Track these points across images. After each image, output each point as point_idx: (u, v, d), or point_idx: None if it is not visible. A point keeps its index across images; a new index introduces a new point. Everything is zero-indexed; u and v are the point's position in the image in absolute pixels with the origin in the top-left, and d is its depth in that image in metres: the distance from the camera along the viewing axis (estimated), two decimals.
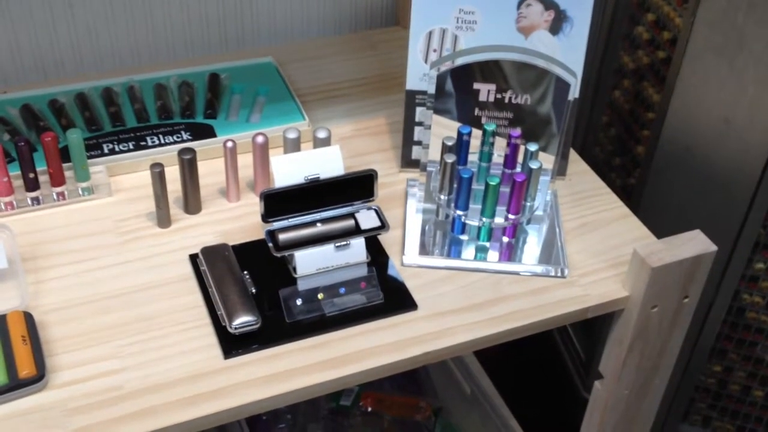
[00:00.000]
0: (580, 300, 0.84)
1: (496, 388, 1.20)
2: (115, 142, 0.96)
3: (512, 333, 0.81)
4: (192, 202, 0.90)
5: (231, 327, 0.77)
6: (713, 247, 0.83)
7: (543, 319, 0.82)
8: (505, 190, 0.86)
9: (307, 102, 1.05)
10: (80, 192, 0.91)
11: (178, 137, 0.97)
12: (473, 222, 0.88)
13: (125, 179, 0.94)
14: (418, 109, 0.95)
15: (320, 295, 0.81)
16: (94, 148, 0.95)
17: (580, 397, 1.27)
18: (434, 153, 0.89)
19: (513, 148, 0.89)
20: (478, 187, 0.88)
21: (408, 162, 0.97)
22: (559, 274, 0.86)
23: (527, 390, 1.36)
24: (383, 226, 0.85)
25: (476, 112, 0.87)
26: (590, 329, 1.28)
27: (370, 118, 1.05)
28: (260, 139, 0.90)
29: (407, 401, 1.23)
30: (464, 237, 0.89)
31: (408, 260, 0.86)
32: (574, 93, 0.85)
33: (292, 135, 0.91)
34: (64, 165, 0.90)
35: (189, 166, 0.87)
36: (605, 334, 0.89)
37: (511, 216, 0.87)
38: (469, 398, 1.19)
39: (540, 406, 1.32)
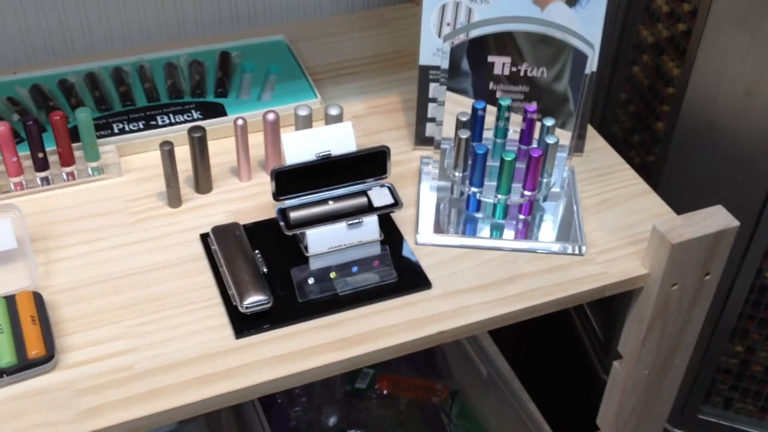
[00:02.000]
0: (598, 278, 0.82)
1: (514, 370, 1.18)
2: (125, 122, 0.94)
3: (529, 311, 0.80)
4: (203, 181, 0.89)
5: (242, 306, 0.76)
6: (735, 223, 0.80)
7: (560, 297, 0.80)
8: (521, 166, 0.85)
9: (319, 80, 1.04)
10: (90, 172, 0.90)
11: (188, 116, 0.95)
12: (488, 199, 0.86)
13: (135, 159, 0.93)
14: (432, 85, 0.93)
15: (332, 274, 0.79)
16: (104, 128, 0.94)
17: (598, 379, 1.26)
18: (448, 130, 0.88)
19: (529, 124, 0.87)
20: (493, 163, 0.86)
21: (422, 139, 0.96)
22: (576, 252, 0.84)
23: (545, 372, 1.35)
24: (396, 203, 0.83)
25: (491, 86, 0.85)
26: (609, 310, 1.26)
27: (383, 95, 1.03)
28: (271, 116, 0.88)
29: (423, 384, 1.22)
30: (479, 215, 0.87)
31: (422, 238, 0.85)
32: (591, 66, 0.82)
33: (303, 112, 0.89)
34: (74, 145, 0.89)
35: (199, 144, 0.86)
36: (624, 313, 0.88)
37: (527, 192, 0.85)
38: (486, 380, 1.18)
39: (558, 389, 1.31)
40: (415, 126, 0.95)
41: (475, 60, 0.84)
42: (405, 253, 0.84)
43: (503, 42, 0.84)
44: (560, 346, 1.38)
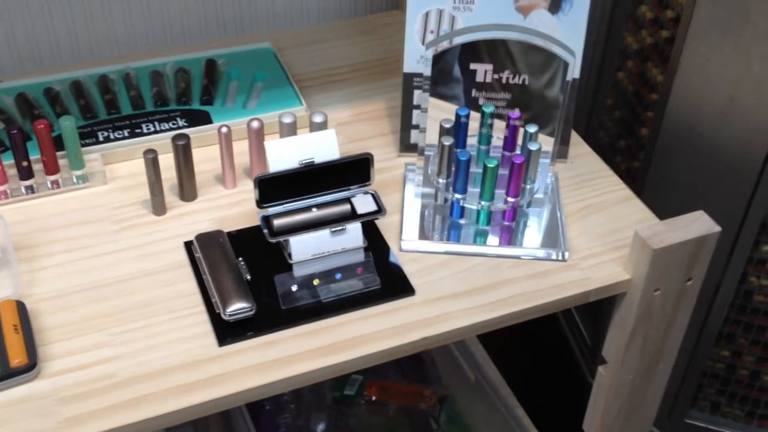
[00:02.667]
0: (581, 283, 0.82)
1: (502, 375, 1.18)
2: (110, 130, 0.94)
3: (512, 317, 0.80)
4: (187, 189, 0.89)
5: (225, 314, 0.76)
6: (717, 228, 0.81)
7: (543, 302, 0.80)
8: (504, 172, 0.85)
9: (305, 87, 1.04)
10: (75, 180, 0.90)
11: (174, 124, 0.95)
12: (472, 205, 0.86)
13: (120, 167, 0.93)
14: (416, 92, 0.93)
15: (316, 281, 0.79)
16: (89, 136, 0.93)
17: (587, 384, 1.25)
18: (432, 136, 0.88)
19: (512, 130, 0.88)
20: (477, 170, 0.86)
21: (407, 146, 0.96)
22: (559, 258, 0.84)
23: (533, 377, 1.35)
24: (380, 210, 0.83)
25: (474, 93, 0.86)
26: (596, 315, 1.27)
27: (368, 102, 1.03)
28: (255, 124, 0.89)
29: (412, 390, 1.22)
30: (463, 221, 0.88)
31: (406, 245, 0.85)
32: (573, 72, 0.83)
33: (288, 120, 0.89)
34: (59, 153, 0.89)
35: (183, 152, 0.86)
36: (609, 318, 0.88)
37: (510, 199, 0.86)
38: (475, 386, 1.18)
39: (547, 394, 1.31)
40: (400, 133, 0.96)
41: (458, 67, 0.85)
42: (389, 259, 0.84)
43: (486, 48, 0.84)
44: (548, 351, 1.39)
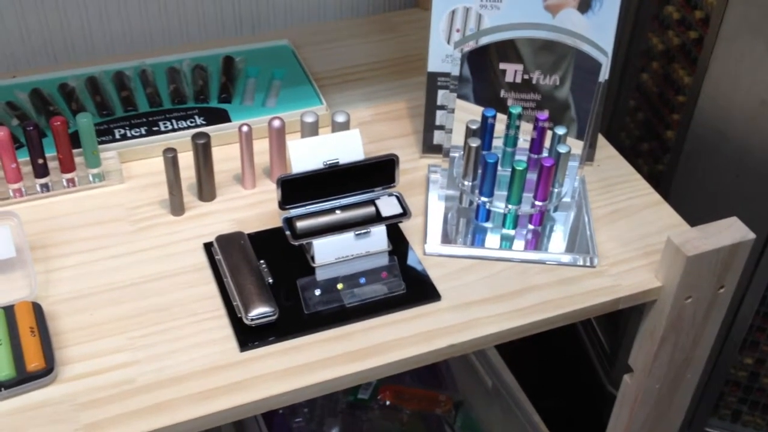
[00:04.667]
0: (610, 290, 0.80)
1: (518, 381, 1.16)
2: (127, 128, 0.92)
3: (540, 325, 0.78)
4: (206, 189, 0.87)
5: (247, 318, 0.74)
6: (751, 235, 0.79)
7: (572, 310, 0.78)
8: (531, 176, 0.83)
9: (324, 86, 1.02)
10: (91, 179, 0.88)
11: (191, 122, 0.93)
12: (498, 209, 0.84)
13: (137, 165, 0.91)
14: (440, 92, 0.91)
15: (339, 285, 0.77)
16: (105, 134, 0.91)
17: (605, 391, 1.24)
18: (457, 138, 0.86)
19: (540, 132, 0.86)
20: (503, 172, 0.84)
21: (429, 147, 0.94)
22: (588, 264, 0.82)
23: (550, 383, 1.33)
24: (405, 213, 0.81)
25: (502, 93, 0.84)
26: (615, 320, 1.24)
27: (389, 102, 1.01)
28: (276, 123, 0.87)
29: (427, 394, 1.20)
30: (489, 225, 0.86)
31: (430, 249, 0.83)
32: (604, 74, 0.81)
33: (309, 119, 0.87)
34: (75, 151, 0.87)
35: (203, 151, 0.84)
36: (633, 324, 0.86)
37: (538, 203, 0.83)
38: (491, 392, 1.16)
39: (563, 400, 1.29)
40: (423, 133, 0.94)
41: (486, 67, 0.83)
42: (413, 263, 0.82)
43: (514, 48, 0.82)
44: (565, 357, 1.37)
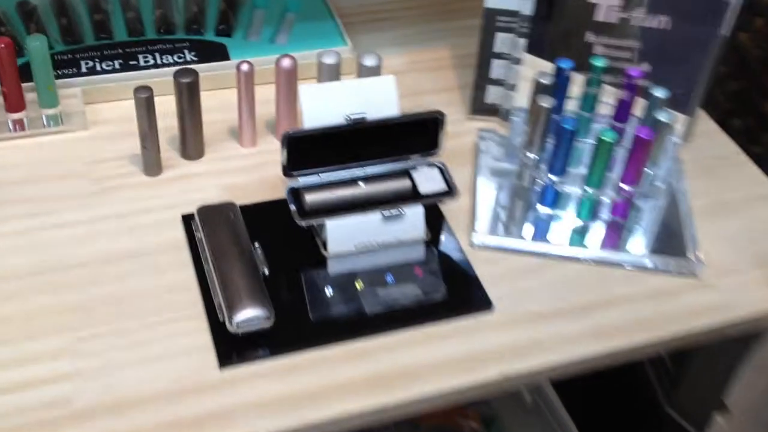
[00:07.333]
0: (720, 310, 0.60)
1: (561, 398, 0.98)
2: (97, 59, 0.76)
3: (625, 353, 0.59)
4: (191, 144, 0.69)
5: (232, 323, 0.55)
6: None
7: (669, 336, 0.59)
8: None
9: (349, 24, 0.83)
10: (45, 121, 0.72)
11: (179, 57, 0.77)
12: (573, 192, 0.64)
13: (107, 108, 0.74)
14: (500, 36, 0.71)
15: (359, 284, 0.59)
16: (68, 65, 0.75)
17: (662, 413, 1.05)
18: (520, 96, 0.66)
19: (631, 93, 0.65)
20: (576, 144, 0.64)
21: (480, 107, 0.75)
22: (687, 272, 0.62)
23: (598, 401, 1.14)
24: (451, 191, 0.62)
25: (588, 37, 0.63)
26: None
27: (427, 48, 0.84)
28: (286, 62, 0.67)
29: (452, 407, 1.01)
30: (557, 211, 0.66)
31: (479, 239, 0.63)
32: (730, 19, 0.60)
33: (329, 60, 0.68)
34: (26, 85, 0.71)
35: (188, 93, 0.66)
36: (740, 357, 0.66)
37: (625, 187, 0.64)
38: (530, 408, 0.98)
39: (612, 421, 1.10)
40: (472, 89, 0.75)
41: (567, 2, 0.62)
42: (456, 258, 0.62)
43: None
44: (617, 371, 1.18)
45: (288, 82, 0.69)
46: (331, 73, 0.69)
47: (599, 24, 0.63)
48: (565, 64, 0.65)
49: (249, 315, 0.55)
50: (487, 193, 0.67)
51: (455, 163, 0.70)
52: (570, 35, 0.63)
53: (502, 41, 0.71)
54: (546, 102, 0.63)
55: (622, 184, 0.64)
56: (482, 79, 0.74)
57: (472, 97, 0.75)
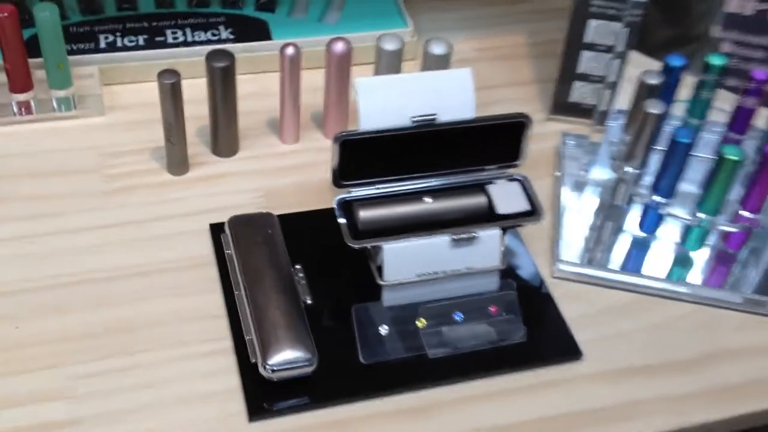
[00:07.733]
0: None
1: None
2: (119, 34, 0.68)
3: (746, 419, 0.48)
4: (224, 138, 0.61)
5: (266, 367, 0.44)
6: None
7: None
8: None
9: (410, 3, 0.74)
10: (54, 105, 0.64)
11: (213, 34, 0.69)
12: (682, 217, 0.53)
13: (127, 91, 0.66)
14: (593, 23, 0.60)
15: (420, 321, 0.49)
16: (83, 39, 0.67)
17: None
18: (620, 97, 0.56)
19: (755, 99, 0.55)
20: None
21: (563, 106, 0.66)
22: None
23: None
24: (536, 211, 0.51)
25: (714, 31, 0.52)
26: None
27: (500, 33, 0.75)
28: (339, 46, 0.58)
29: None
30: (659, 239, 0.55)
31: (564, 268, 0.53)
32: None
33: (390, 46, 0.59)
34: (33, 61, 0.63)
35: (223, 79, 0.57)
36: None
37: (746, 214, 0.53)
38: None
39: None
40: (555, 84, 0.65)
41: None
42: (536, 293, 0.52)
43: None
44: None
45: (340, 70, 0.59)
46: (392, 61, 0.59)
47: (730, 17, 0.52)
48: (677, 61, 0.54)
49: (287, 357, 0.45)
50: (573, 213, 0.56)
51: (532, 174, 0.59)
52: (690, 28, 0.52)
53: (595, 30, 0.60)
54: (655, 107, 0.52)
55: (742, 210, 0.53)
56: (567, 72, 0.63)
57: (554, 94, 0.64)
